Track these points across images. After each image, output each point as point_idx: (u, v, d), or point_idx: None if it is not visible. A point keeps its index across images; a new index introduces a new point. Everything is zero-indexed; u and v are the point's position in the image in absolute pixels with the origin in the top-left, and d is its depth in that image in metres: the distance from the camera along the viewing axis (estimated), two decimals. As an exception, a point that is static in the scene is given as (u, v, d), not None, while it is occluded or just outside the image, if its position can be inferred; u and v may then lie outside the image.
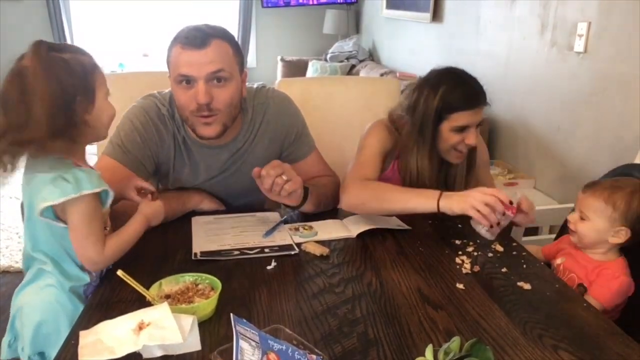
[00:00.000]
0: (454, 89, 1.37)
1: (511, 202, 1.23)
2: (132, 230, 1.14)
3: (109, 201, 1.09)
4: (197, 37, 1.27)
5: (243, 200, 1.54)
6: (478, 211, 1.21)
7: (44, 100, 0.96)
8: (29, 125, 0.96)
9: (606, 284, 1.21)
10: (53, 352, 1.05)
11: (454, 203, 1.25)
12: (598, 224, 1.24)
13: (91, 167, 1.10)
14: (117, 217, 1.19)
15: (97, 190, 1.04)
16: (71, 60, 1.02)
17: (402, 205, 1.34)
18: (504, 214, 1.22)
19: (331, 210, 1.50)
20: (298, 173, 1.47)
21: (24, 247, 1.13)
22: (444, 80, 1.39)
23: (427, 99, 1.38)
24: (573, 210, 1.32)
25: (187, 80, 1.28)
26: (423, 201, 1.30)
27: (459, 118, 1.37)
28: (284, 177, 1.25)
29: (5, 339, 1.14)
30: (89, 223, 1.04)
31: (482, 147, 1.58)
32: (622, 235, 1.23)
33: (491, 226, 1.24)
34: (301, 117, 1.56)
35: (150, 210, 1.18)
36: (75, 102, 1.01)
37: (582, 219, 1.27)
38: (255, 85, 1.55)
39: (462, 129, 1.38)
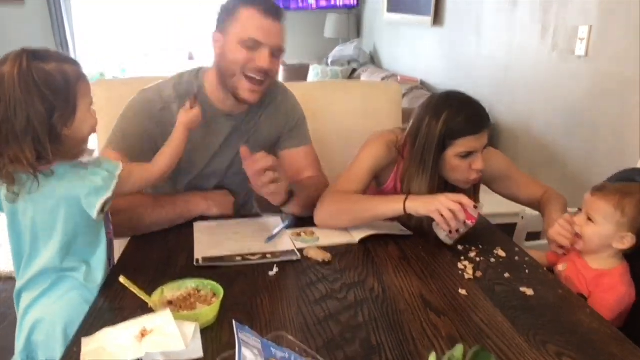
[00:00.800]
0: (457, 115, 1.31)
1: (476, 207, 1.28)
2: (175, 140, 1.24)
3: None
4: (274, 8, 1.34)
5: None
6: (442, 215, 1.25)
7: (19, 115, 0.95)
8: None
9: (604, 296, 1.20)
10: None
11: (419, 205, 1.29)
12: (605, 228, 1.22)
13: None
14: (116, 213, 1.20)
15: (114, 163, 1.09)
16: (54, 71, 0.99)
17: (371, 214, 1.36)
18: (465, 222, 1.27)
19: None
20: (289, 161, 1.54)
21: (28, 266, 1.08)
22: (446, 105, 1.34)
23: (430, 126, 1.33)
24: (577, 212, 1.31)
25: (254, 45, 1.32)
26: (391, 205, 1.33)
27: (464, 144, 1.32)
28: (275, 174, 1.27)
29: (18, 357, 1.11)
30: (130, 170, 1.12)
31: (495, 158, 1.52)
32: (627, 241, 1.21)
33: (450, 231, 1.27)
34: (303, 111, 1.62)
35: (187, 119, 1.26)
36: (53, 117, 0.98)
37: (589, 220, 1.25)
38: None
39: (467, 155, 1.34)
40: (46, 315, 1.08)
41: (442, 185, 1.40)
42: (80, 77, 1.04)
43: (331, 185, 1.47)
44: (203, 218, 1.44)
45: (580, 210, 1.30)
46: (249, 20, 1.32)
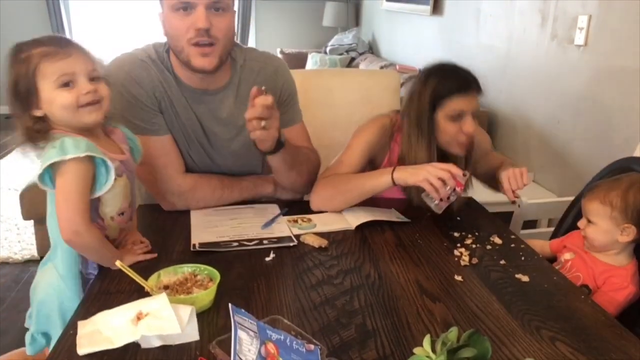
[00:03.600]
0: (445, 77, 1.39)
1: (465, 174, 1.31)
2: (104, 250, 1.09)
3: (112, 175, 1.06)
4: None
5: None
6: (431, 184, 1.26)
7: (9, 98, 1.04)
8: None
9: (613, 295, 1.20)
10: (55, 334, 1.10)
11: (407, 175, 1.30)
12: (603, 226, 1.23)
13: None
14: (180, 193, 1.31)
15: (81, 154, 1.01)
16: (21, 59, 1.02)
17: (360, 190, 1.38)
18: (454, 189, 1.28)
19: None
20: None
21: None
22: (435, 71, 1.42)
23: (421, 92, 1.40)
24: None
25: (185, 7, 1.23)
26: (378, 178, 1.36)
27: (453, 104, 1.37)
28: (262, 124, 1.21)
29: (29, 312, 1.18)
30: (70, 188, 1.02)
31: (482, 137, 1.58)
32: (630, 232, 1.21)
33: (440, 199, 1.29)
34: (295, 86, 1.54)
35: (126, 259, 1.11)
36: (23, 101, 1.03)
37: (589, 222, 1.26)
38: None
39: (457, 117, 1.38)
40: (36, 285, 1.15)
41: (439, 157, 1.43)
42: (43, 57, 1.02)
43: (324, 171, 1.47)
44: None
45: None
46: None
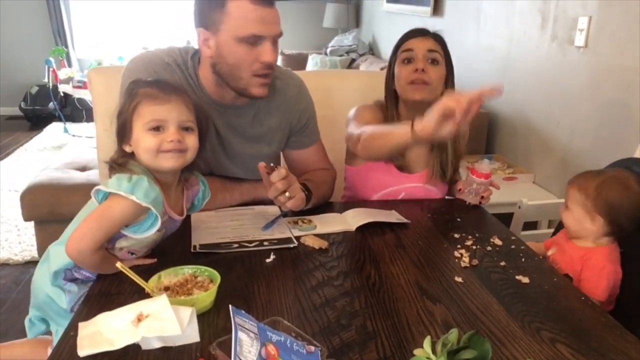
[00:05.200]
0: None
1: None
2: (101, 269, 1.08)
3: (154, 229, 1.07)
4: None
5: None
6: (447, 106, 1.08)
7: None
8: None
9: (597, 281, 1.22)
10: (50, 320, 1.17)
11: (426, 118, 1.14)
12: (576, 212, 1.28)
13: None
14: None
15: (143, 203, 1.01)
16: (130, 93, 1.08)
17: (388, 142, 1.31)
18: (483, 183, 1.44)
19: (329, 204, 1.51)
20: (299, 161, 1.51)
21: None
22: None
23: (390, 59, 1.52)
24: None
25: (254, 41, 1.23)
26: (399, 129, 1.24)
27: (406, 46, 1.47)
28: (287, 195, 1.25)
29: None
30: (108, 217, 1.02)
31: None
32: (597, 222, 1.25)
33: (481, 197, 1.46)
34: (313, 105, 1.56)
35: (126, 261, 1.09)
36: (119, 133, 1.09)
37: (567, 207, 1.31)
38: None
39: (409, 59, 1.44)
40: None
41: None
42: (144, 98, 1.06)
43: (349, 136, 1.48)
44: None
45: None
46: (243, 13, 1.21)
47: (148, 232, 1.07)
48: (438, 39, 1.48)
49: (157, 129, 1.05)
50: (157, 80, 1.12)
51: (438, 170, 1.54)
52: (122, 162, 1.08)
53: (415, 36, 1.48)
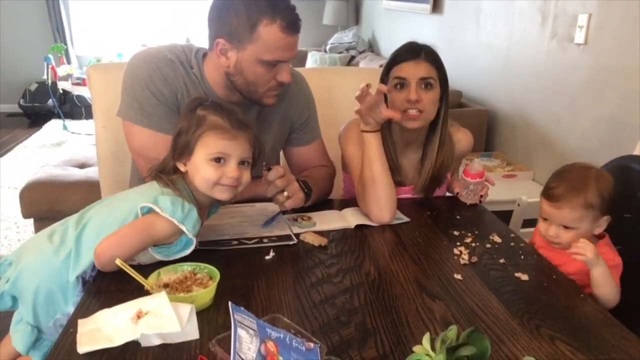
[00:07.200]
0: (399, 48, 1.45)
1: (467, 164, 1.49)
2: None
3: (182, 253, 1.10)
4: (295, 21, 1.28)
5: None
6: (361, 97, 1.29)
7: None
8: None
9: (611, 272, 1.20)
10: (20, 299, 1.15)
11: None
12: (583, 227, 1.24)
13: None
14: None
15: (189, 234, 1.07)
16: (196, 114, 1.10)
17: (372, 168, 1.37)
18: (478, 182, 1.45)
19: (329, 202, 1.51)
20: (300, 157, 1.52)
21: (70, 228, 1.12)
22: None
23: (382, 75, 1.45)
24: (541, 221, 1.31)
25: (277, 64, 1.29)
26: (365, 143, 1.38)
27: (398, 72, 1.39)
28: (285, 194, 1.26)
29: None
30: (146, 233, 1.05)
31: (467, 139, 1.55)
32: (603, 223, 1.25)
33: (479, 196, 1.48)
34: (314, 102, 1.58)
35: None
36: (176, 149, 1.11)
37: (565, 228, 1.25)
38: None
39: (402, 84, 1.38)
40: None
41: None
42: (213, 129, 1.07)
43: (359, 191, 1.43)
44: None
45: (545, 219, 1.29)
46: (272, 40, 1.24)
47: (175, 255, 1.09)
48: (431, 59, 1.42)
49: (218, 160, 1.08)
50: (227, 110, 1.12)
51: (424, 184, 1.49)
52: (171, 179, 1.10)
53: (407, 59, 1.40)
